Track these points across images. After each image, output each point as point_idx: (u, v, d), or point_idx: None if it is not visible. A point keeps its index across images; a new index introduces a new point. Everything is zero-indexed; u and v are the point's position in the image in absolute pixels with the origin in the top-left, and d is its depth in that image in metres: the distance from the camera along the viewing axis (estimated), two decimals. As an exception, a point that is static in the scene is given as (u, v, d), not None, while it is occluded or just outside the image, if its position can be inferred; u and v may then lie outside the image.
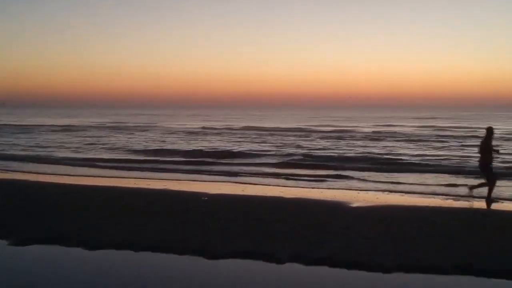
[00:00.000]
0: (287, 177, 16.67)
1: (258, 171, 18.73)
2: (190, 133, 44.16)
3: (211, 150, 27.33)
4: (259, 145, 30.38)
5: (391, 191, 13.61)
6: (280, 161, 22.07)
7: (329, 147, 29.19)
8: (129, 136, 40.20)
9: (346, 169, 18.51)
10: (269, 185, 14.89)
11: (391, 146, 28.97)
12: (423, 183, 15.28)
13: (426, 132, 42.99)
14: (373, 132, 43.17)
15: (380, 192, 13.37)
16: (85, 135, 40.60)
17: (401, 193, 13.38)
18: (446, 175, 17.08)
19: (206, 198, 11.44)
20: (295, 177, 16.62)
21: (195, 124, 61.60)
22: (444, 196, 12.72)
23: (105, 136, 39.36)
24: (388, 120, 69.41)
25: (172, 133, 44.29)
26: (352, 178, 16.46)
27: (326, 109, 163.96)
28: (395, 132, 41.95)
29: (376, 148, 27.60)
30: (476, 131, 38.56)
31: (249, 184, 15.03)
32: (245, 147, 29.20)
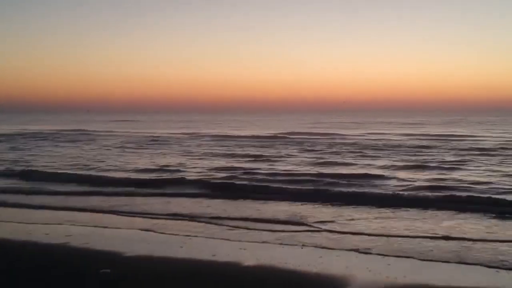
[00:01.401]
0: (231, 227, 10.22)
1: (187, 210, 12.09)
2: (140, 142, 36.90)
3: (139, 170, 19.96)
4: (207, 161, 23.76)
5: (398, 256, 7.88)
6: (204, 191, 15.03)
7: (289, 156, 24.84)
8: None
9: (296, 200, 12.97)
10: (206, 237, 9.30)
11: (368, 158, 23.40)
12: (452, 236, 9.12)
13: (415, 142, 36.54)
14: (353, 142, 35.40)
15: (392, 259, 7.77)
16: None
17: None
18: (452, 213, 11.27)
19: (107, 271, 6.87)
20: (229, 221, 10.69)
21: (161, 131, 55.49)
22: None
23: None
24: (376, 126, 64.55)
25: (117, 142, 36.53)
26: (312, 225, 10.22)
27: (318, 114, 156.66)
28: (380, 139, 37.35)
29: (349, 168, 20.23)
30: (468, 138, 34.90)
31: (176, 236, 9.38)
32: (188, 164, 21.86)
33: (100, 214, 11.65)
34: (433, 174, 17.64)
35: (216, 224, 10.42)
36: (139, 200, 13.58)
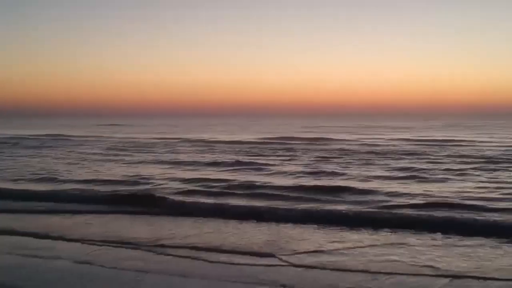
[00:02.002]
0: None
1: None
2: (110, 148, 33.70)
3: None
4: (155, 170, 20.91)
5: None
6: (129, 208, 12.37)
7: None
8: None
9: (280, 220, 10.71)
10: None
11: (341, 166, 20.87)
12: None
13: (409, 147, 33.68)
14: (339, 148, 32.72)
15: None
16: None
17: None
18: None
19: None
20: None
21: (144, 135, 53.30)
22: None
23: None
24: (368, 130, 62.81)
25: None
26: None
27: (315, 118, 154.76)
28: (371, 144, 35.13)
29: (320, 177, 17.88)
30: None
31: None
32: (146, 174, 18.80)
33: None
34: (427, 187, 15.10)
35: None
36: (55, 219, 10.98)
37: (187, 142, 40.50)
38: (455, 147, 31.27)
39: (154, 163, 23.71)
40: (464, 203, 12.28)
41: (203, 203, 12.85)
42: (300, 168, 20.45)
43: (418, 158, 24.10)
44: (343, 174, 18.41)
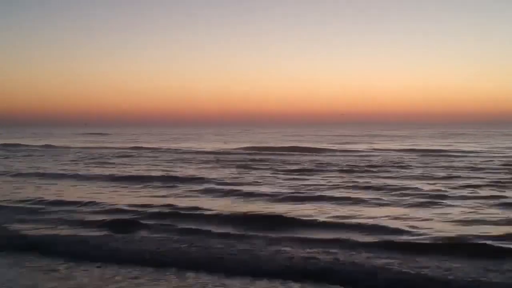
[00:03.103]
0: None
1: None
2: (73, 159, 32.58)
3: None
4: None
5: None
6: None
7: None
8: None
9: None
10: None
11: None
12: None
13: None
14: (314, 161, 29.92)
15: None
16: None
17: None
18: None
19: None
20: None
21: (120, 145, 51.07)
22: None
23: None
24: (368, 140, 61.27)
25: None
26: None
27: (316, 127, 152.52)
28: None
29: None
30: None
31: None
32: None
33: None
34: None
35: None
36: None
37: (135, 150, 40.35)
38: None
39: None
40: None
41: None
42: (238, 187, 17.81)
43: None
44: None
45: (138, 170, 24.67)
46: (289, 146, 43.00)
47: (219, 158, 31.87)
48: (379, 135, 77.75)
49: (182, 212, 12.98)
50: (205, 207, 13.64)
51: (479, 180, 18.81)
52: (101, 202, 14.49)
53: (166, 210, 13.28)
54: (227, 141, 59.08)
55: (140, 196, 16.14)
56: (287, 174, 21.93)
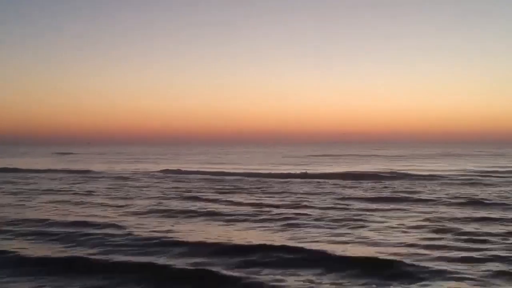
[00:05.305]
0: None
1: None
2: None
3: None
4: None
5: None
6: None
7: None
8: None
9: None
10: None
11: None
12: None
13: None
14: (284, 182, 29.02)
15: None
16: None
17: None
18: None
19: None
20: None
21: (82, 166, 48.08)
22: None
23: None
24: (368, 160, 59.23)
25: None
26: None
27: (315, 145, 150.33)
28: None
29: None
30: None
31: None
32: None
33: None
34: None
35: None
36: None
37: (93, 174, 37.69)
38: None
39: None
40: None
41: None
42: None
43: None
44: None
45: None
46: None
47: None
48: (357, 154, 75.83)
49: None
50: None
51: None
52: None
53: None
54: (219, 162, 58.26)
55: None
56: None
